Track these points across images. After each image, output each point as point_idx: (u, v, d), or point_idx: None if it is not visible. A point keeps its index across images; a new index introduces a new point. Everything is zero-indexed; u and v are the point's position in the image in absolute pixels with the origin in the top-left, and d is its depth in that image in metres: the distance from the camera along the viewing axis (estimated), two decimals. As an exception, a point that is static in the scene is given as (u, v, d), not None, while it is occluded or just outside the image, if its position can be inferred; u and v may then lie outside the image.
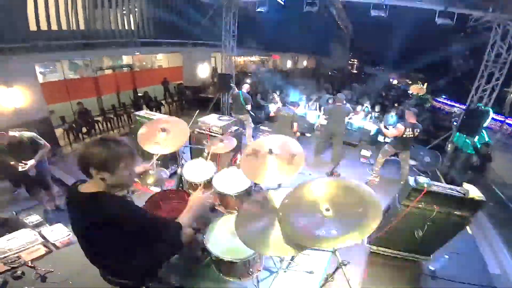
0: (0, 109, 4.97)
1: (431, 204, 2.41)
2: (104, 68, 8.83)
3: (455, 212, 2.40)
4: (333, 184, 1.66)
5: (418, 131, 4.29)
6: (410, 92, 17.67)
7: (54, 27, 6.53)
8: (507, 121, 8.84)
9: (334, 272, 1.84)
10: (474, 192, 2.31)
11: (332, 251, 1.33)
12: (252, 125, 6.17)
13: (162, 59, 11.86)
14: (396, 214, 2.52)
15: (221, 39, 7.95)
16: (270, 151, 2.10)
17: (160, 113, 7.32)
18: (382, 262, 2.88)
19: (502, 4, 4.76)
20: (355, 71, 29.69)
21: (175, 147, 2.44)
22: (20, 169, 2.94)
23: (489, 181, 5.20)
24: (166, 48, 10.35)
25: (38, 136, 3.16)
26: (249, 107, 5.75)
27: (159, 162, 2.50)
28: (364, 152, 5.78)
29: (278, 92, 8.60)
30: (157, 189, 2.59)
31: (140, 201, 2.12)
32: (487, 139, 5.40)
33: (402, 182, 4.11)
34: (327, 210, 1.46)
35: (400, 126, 4.25)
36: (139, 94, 9.05)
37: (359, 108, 7.40)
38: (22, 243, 2.40)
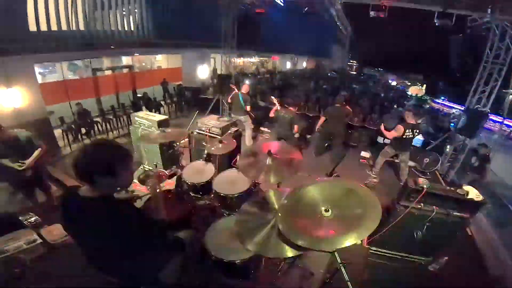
0: (-1, 110, 4.96)
1: (430, 205, 2.41)
2: (103, 69, 8.82)
3: (455, 213, 2.40)
4: (332, 185, 1.66)
5: (418, 132, 4.29)
6: (409, 93, 17.73)
7: (54, 27, 6.52)
8: (505, 122, 8.84)
9: (333, 273, 1.84)
10: (473, 193, 2.31)
11: (331, 252, 1.32)
12: (252, 126, 6.16)
13: (161, 60, 11.86)
14: (396, 215, 2.52)
15: (221, 40, 7.95)
16: (269, 153, 2.10)
17: (159, 114, 7.30)
18: (382, 263, 2.87)
19: (501, 5, 4.78)
20: (354, 72, 29.72)
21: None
22: (18, 168, 2.91)
23: (488, 182, 5.21)
24: (166, 49, 10.35)
25: (35, 136, 3.14)
26: (248, 108, 5.76)
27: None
28: (364, 153, 5.78)
29: (276, 94, 8.59)
30: (157, 190, 2.58)
31: (140, 201, 2.11)
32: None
33: (401, 183, 4.12)
34: (327, 211, 1.45)
35: (400, 127, 4.26)
36: (139, 95, 9.01)
37: None
38: (21, 243, 2.38)
